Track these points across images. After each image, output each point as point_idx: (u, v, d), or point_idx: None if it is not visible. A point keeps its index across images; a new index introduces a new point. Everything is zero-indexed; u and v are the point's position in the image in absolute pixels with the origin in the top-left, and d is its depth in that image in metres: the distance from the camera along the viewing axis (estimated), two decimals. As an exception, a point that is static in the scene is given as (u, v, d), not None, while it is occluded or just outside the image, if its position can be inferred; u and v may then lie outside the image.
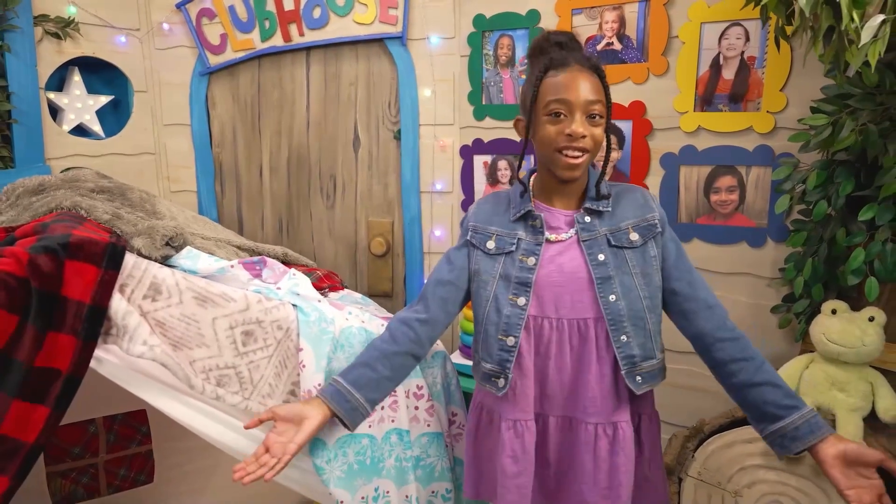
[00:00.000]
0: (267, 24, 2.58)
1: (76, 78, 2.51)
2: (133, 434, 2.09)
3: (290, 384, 1.25)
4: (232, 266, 1.33)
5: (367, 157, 2.68)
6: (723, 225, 2.08)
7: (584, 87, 1.19)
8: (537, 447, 1.27)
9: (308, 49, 2.63)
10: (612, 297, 1.23)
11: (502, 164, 2.50)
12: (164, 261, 1.35)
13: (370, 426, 1.32)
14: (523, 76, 2.39)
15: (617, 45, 2.18)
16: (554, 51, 1.25)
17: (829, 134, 1.64)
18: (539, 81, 1.23)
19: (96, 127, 2.59)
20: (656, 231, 1.28)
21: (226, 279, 1.30)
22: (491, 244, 1.30)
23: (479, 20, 2.43)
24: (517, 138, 2.43)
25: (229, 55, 2.67)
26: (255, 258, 1.46)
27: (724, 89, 2.01)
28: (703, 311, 1.27)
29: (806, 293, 1.84)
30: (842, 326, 1.64)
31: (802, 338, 1.87)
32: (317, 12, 2.52)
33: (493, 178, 2.52)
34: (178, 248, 1.39)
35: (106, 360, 1.08)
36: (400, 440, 1.37)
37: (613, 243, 1.26)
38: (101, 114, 2.60)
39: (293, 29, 2.57)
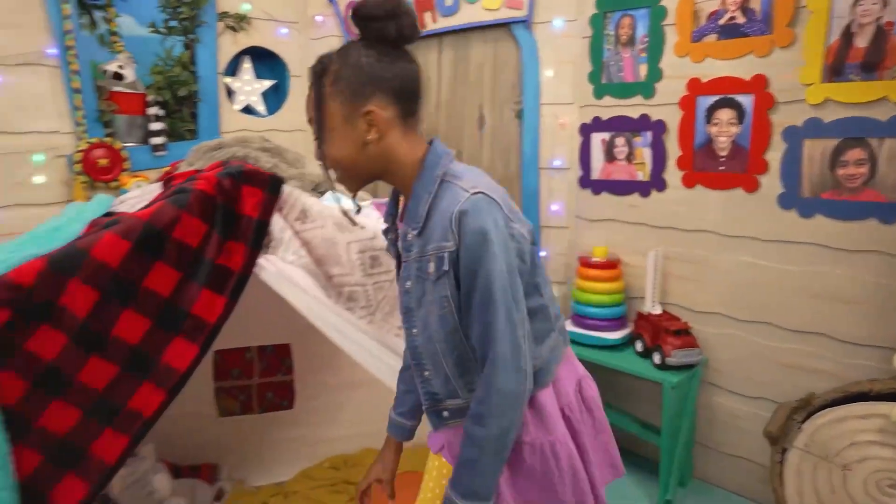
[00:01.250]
0: (405, 13, 2.85)
1: (247, 65, 2.95)
2: (279, 365, 2.45)
3: (408, 306, 1.47)
4: (367, 205, 1.57)
5: (490, 134, 2.87)
6: (850, 200, 2.00)
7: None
8: None
9: (441, 35, 2.87)
10: (414, 331, 1.12)
11: (619, 140, 2.57)
12: (312, 202, 1.64)
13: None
14: (643, 55, 2.45)
15: (740, 19, 2.17)
16: None
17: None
18: None
19: (260, 107, 3.02)
20: (442, 271, 1.02)
21: (363, 216, 1.55)
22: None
23: (601, 1, 2.52)
24: (635, 116, 2.50)
25: (371, 42, 2.98)
26: (384, 199, 1.69)
27: (857, 58, 1.94)
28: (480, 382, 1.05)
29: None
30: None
31: (934, 318, 1.77)
32: (449, 0, 2.75)
33: (610, 155, 2.60)
34: (323, 192, 1.67)
35: (265, 267, 1.36)
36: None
37: (416, 273, 1.07)
38: (264, 95, 3.03)
39: (428, 17, 2.82)
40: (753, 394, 2.28)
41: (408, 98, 1.05)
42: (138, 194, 1.76)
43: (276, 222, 1.34)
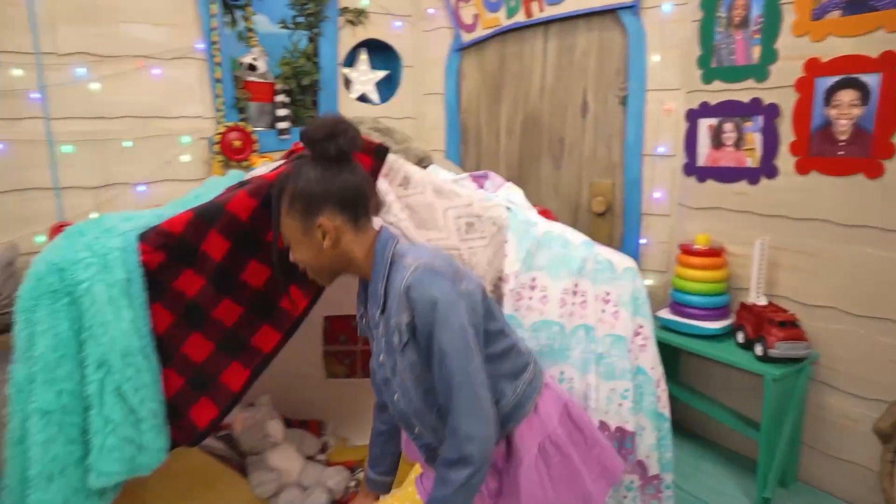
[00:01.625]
0: (512, 2, 2.94)
1: (363, 57, 3.17)
2: (381, 334, 2.63)
3: (499, 271, 1.56)
4: (464, 178, 1.68)
5: (593, 121, 2.88)
6: None
7: None
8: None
9: (546, 23, 2.93)
10: (395, 397, 1.23)
11: (728, 126, 2.49)
12: (415, 175, 1.77)
13: (561, 316, 1.57)
14: (757, 36, 2.36)
15: (868, -7, 2.05)
16: None
17: None
18: None
19: (374, 96, 3.23)
20: (404, 341, 1.15)
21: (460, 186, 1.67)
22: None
23: (715, -19, 2.46)
24: (745, 100, 2.41)
25: (479, 32, 3.10)
26: (481, 172, 1.80)
27: None
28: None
29: None
30: None
31: None
32: (556, -12, 2.80)
33: (717, 141, 2.53)
34: (426, 166, 1.80)
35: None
36: (586, 335, 1.59)
37: (385, 347, 1.20)
38: (377, 85, 3.24)
39: (534, 6, 2.88)
40: (869, 395, 2.14)
41: (353, 205, 1.19)
42: (265, 171, 1.99)
43: (382, 185, 1.49)
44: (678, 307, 2.51)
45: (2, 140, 2.33)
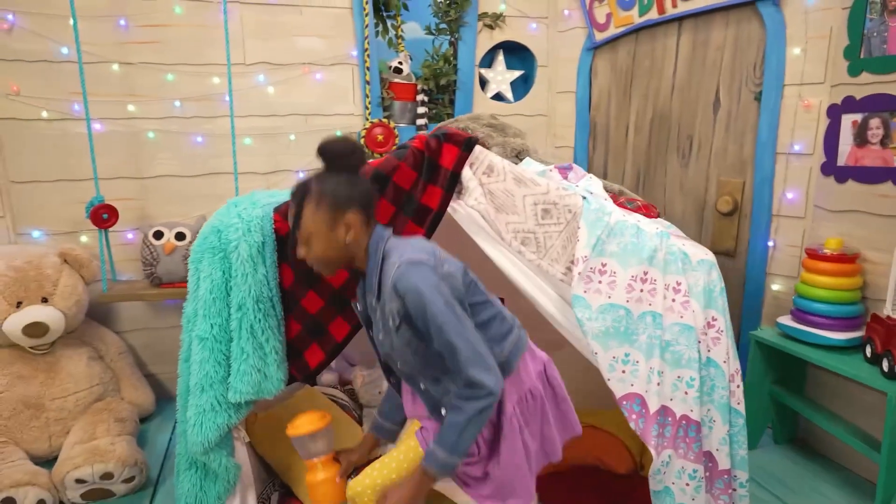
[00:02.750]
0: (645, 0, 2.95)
1: (500, 58, 3.38)
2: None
3: (572, 255, 1.68)
4: (550, 170, 1.82)
5: (725, 117, 2.79)
6: None
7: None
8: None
9: (680, 19, 2.89)
10: (399, 365, 1.49)
11: (874, 122, 2.29)
12: (512, 165, 1.95)
13: (628, 301, 1.64)
14: (914, 22, 2.15)
15: None
16: None
17: None
18: None
19: (509, 94, 3.43)
20: (398, 324, 1.38)
21: (546, 177, 1.81)
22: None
23: (864, -34, 2.27)
24: None
25: (611, 31, 3.14)
26: (566, 164, 1.91)
27: None
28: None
29: None
30: None
31: None
32: (691, -17, 2.76)
33: (861, 139, 2.34)
34: (522, 159, 1.97)
35: (458, 210, 1.72)
36: (653, 321, 1.64)
37: (383, 328, 1.45)
38: (514, 84, 3.43)
39: (668, 2, 2.86)
40: None
41: (368, 206, 1.45)
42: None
43: (467, 172, 1.69)
44: (801, 314, 2.37)
45: (201, 133, 2.94)
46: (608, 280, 1.67)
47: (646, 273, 1.65)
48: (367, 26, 3.02)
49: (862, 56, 2.33)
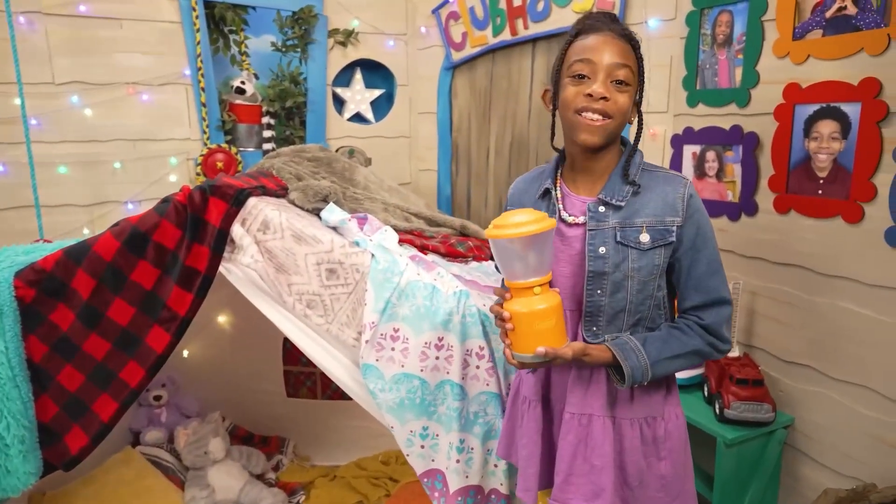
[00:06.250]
0: (498, 20, 2.82)
1: (357, 76, 3.18)
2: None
3: (361, 319, 1.51)
4: (349, 220, 1.64)
5: (578, 144, 2.71)
6: (978, 243, 1.52)
7: (610, 50, 1.13)
8: (545, 430, 1.25)
9: (534, 41, 2.79)
10: (599, 292, 1.18)
11: (710, 154, 2.25)
12: (316, 211, 1.75)
13: (422, 370, 1.48)
14: (740, 56, 2.11)
15: (851, 9, 1.76)
16: (590, 20, 1.20)
17: None
18: (568, 45, 1.20)
19: (369, 115, 3.24)
20: (669, 240, 1.16)
21: (343, 230, 1.63)
22: None
23: (699, -3, 2.22)
24: (727, 127, 2.16)
25: (468, 50, 3.01)
26: (362, 214, 1.74)
27: None
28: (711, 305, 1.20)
29: None
30: None
31: None
32: (540, 5, 2.66)
33: (700, 170, 2.29)
34: (327, 203, 1.78)
35: (232, 271, 1.51)
36: (452, 391, 1.49)
37: (619, 239, 1.16)
38: (376, 104, 3.24)
39: (519, 23, 2.75)
40: (844, 470, 1.86)
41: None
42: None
43: (237, 231, 1.48)
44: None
45: (2, 161, 2.58)
46: (401, 347, 1.50)
47: (440, 339, 1.49)
48: (198, 42, 2.75)
49: (698, 87, 2.29)
